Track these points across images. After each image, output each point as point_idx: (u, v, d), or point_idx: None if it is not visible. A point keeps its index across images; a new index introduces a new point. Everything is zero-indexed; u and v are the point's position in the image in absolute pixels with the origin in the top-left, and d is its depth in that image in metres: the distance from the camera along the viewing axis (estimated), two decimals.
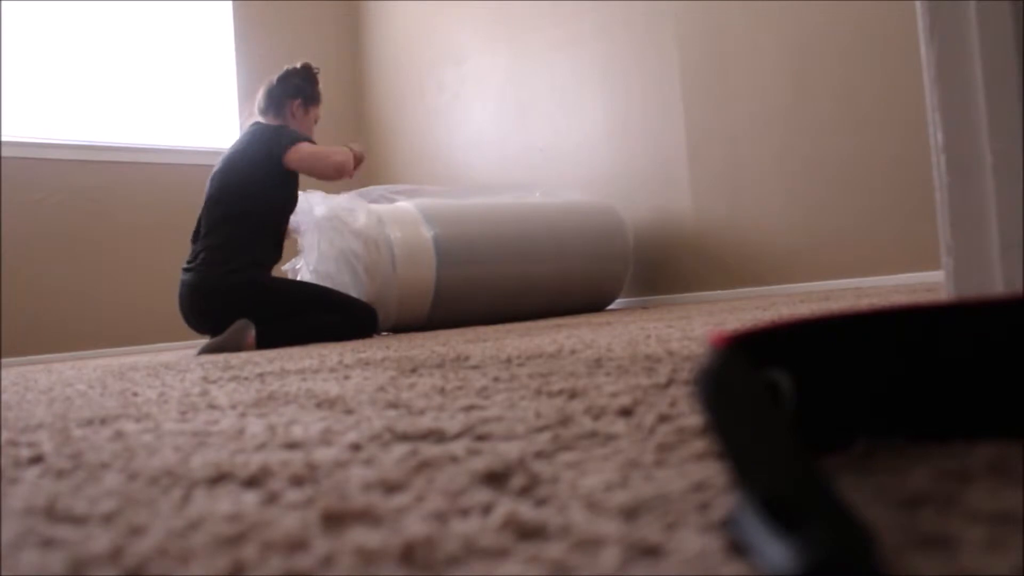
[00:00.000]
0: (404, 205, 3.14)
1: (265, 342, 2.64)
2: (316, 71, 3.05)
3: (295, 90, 2.98)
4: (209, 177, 2.94)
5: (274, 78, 3.01)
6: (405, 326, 3.03)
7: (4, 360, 3.85)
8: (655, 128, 3.84)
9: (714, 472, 0.39)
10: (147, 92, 4.57)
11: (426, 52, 4.85)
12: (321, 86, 3.09)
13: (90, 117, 4.37)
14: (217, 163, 2.96)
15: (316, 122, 3.06)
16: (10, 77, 4.12)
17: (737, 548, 0.27)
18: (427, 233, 3.00)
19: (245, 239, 2.76)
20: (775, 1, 3.42)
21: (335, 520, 0.35)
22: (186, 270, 2.80)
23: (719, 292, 3.63)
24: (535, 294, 3.30)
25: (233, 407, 0.84)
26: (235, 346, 2.59)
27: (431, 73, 4.83)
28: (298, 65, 3.03)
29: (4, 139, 4.04)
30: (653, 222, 3.86)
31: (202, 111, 4.75)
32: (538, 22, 4.30)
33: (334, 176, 2.82)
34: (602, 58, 4.05)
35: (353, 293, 2.90)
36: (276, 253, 2.88)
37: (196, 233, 2.88)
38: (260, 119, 2.99)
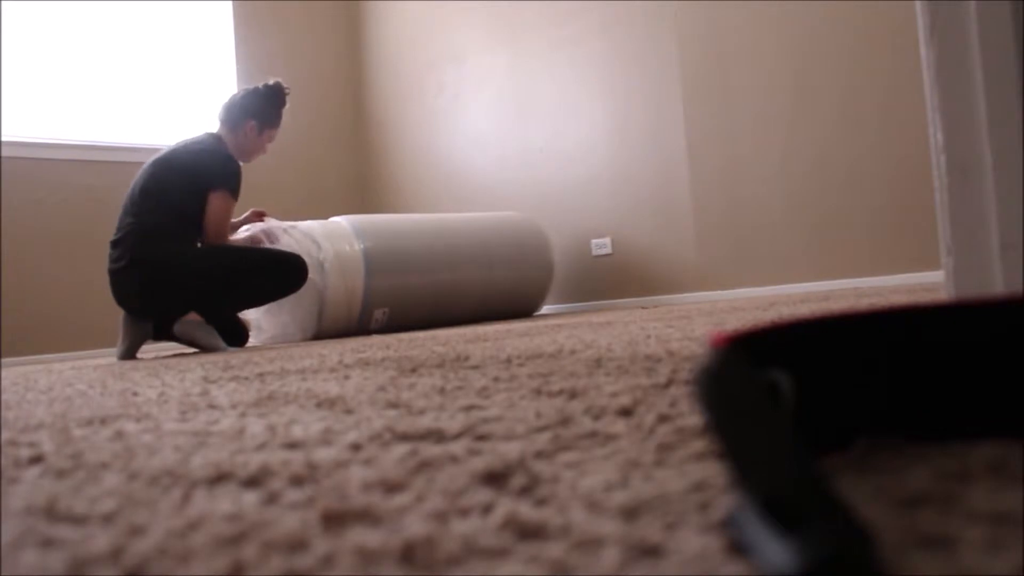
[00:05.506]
0: (338, 220, 3.46)
1: (211, 320, 2.82)
2: (286, 92, 3.07)
3: (254, 111, 2.99)
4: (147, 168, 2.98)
5: (237, 93, 3.03)
6: (339, 333, 3.27)
7: (4, 360, 3.85)
8: (655, 128, 3.84)
9: (714, 472, 0.39)
10: (147, 92, 4.57)
11: (426, 52, 4.85)
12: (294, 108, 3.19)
13: (90, 117, 4.37)
14: (160, 154, 2.99)
15: (270, 141, 3.09)
16: (10, 77, 4.12)
17: (737, 548, 0.27)
18: (358, 246, 3.33)
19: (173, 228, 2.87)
20: (775, 1, 3.42)
21: (335, 520, 0.35)
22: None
23: (719, 292, 3.63)
24: (463, 302, 3.59)
25: (233, 407, 0.84)
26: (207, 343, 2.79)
27: (431, 73, 4.82)
28: (270, 82, 3.05)
29: (4, 139, 4.03)
30: (653, 222, 3.86)
31: (202, 111, 4.75)
32: (538, 22, 4.30)
33: (209, 235, 2.88)
34: (602, 58, 4.05)
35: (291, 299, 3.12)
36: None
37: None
38: (217, 128, 3.03)
